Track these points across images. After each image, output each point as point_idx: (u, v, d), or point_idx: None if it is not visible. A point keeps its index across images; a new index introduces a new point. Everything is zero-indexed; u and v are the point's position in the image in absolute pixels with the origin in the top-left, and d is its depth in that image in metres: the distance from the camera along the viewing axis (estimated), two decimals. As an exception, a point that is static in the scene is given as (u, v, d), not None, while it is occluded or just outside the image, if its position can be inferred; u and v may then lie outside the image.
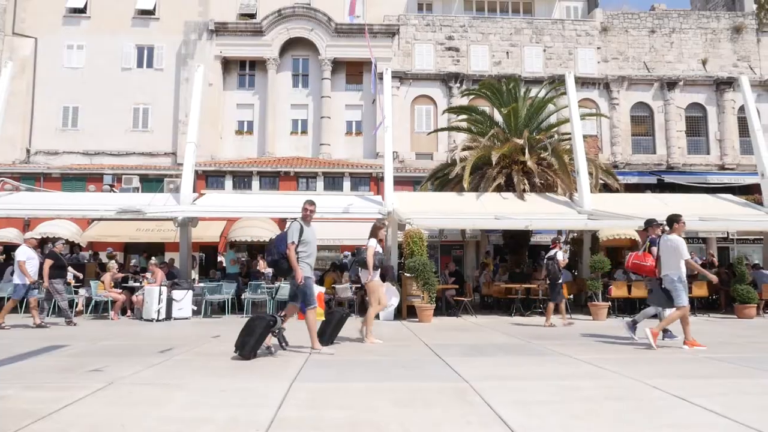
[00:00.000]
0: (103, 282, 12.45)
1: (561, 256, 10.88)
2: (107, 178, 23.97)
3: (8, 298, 10.39)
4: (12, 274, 11.07)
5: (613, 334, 8.95)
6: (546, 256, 11.19)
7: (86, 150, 26.36)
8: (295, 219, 6.90)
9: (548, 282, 10.88)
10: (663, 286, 7.50)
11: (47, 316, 10.89)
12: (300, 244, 6.63)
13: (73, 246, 18.10)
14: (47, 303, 10.93)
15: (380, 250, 8.09)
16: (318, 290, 6.61)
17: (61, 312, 10.71)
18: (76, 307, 12.68)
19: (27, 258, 10.13)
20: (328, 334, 7.28)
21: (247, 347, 6.12)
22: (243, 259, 19.20)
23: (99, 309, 12.79)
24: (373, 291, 7.94)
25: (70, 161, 25.91)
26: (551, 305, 10.56)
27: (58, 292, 10.54)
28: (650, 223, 8.50)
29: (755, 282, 13.07)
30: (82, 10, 27.55)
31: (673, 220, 7.71)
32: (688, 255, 7.48)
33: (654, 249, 7.93)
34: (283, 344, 6.66)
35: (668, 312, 7.66)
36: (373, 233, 8.10)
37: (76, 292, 12.69)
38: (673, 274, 7.31)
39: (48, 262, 10.46)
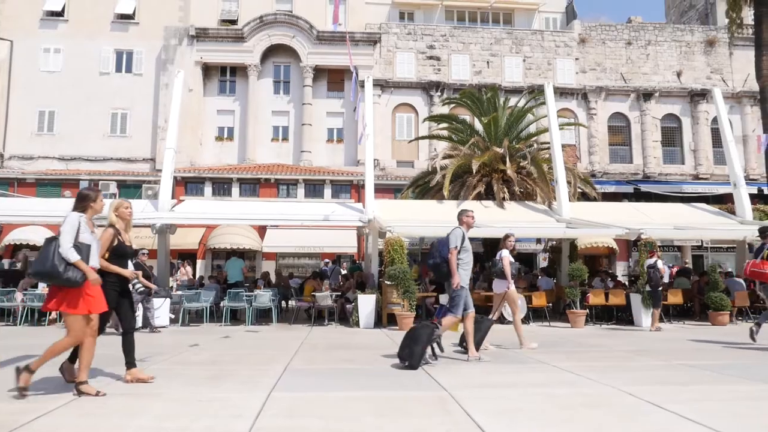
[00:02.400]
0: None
1: (660, 264, 11.46)
2: (84, 184, 23.50)
3: None
4: None
5: (592, 342, 9.06)
6: (647, 265, 11.84)
7: (62, 155, 25.92)
8: (457, 226, 7.04)
9: (650, 289, 11.63)
10: None
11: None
12: (461, 251, 6.79)
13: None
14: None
15: (512, 259, 8.38)
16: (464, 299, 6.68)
17: (147, 321, 10.90)
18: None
19: None
20: (477, 339, 7.27)
21: (416, 356, 6.13)
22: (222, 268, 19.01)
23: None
24: (514, 300, 8.16)
25: (46, 166, 25.46)
26: (656, 312, 11.44)
27: (147, 302, 10.99)
28: (765, 231, 8.60)
29: (728, 290, 13.33)
30: (60, 14, 27.17)
31: None
32: None
33: None
34: (440, 351, 6.78)
35: None
36: (504, 244, 8.35)
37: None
38: None
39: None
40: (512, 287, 8.08)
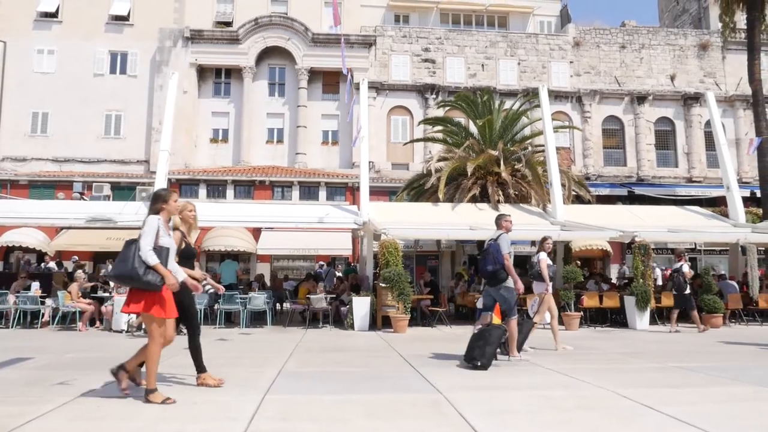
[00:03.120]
0: (70, 292, 12.14)
1: (686, 268, 11.69)
2: (77, 186, 23.42)
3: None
4: None
5: (587, 345, 9.07)
6: (672, 269, 11.92)
7: (56, 157, 25.79)
8: (499, 231, 7.29)
9: (674, 293, 11.75)
10: None
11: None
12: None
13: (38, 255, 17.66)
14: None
15: (550, 262, 8.52)
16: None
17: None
18: (42, 317, 12.35)
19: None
20: (519, 340, 7.40)
21: (488, 356, 6.34)
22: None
23: (66, 320, 12.46)
24: (549, 302, 8.30)
25: (39, 168, 25.31)
26: (675, 313, 11.59)
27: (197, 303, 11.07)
28: None
29: (721, 292, 13.40)
30: (54, 15, 27.05)
31: None
32: None
33: None
34: (503, 351, 6.95)
35: None
36: (542, 246, 8.45)
37: (43, 303, 12.35)
38: None
39: None
40: (550, 289, 8.28)
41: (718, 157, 15.98)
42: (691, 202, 21.03)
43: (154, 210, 4.71)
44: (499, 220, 7.39)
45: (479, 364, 6.30)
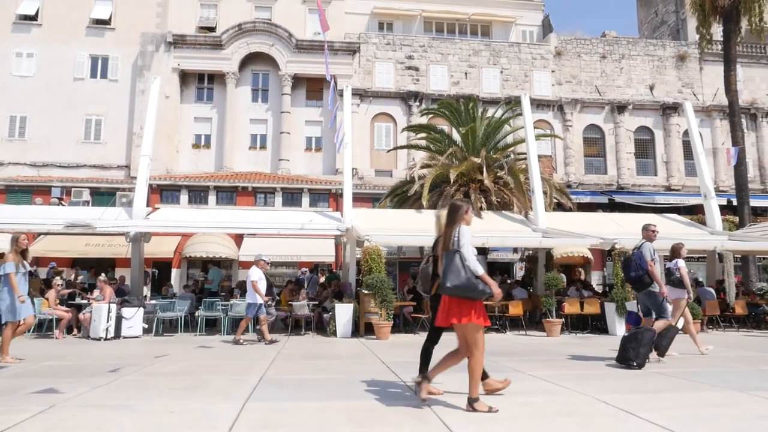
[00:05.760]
0: (47, 299, 11.93)
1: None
2: (55, 191, 23.03)
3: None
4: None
5: (567, 351, 9.13)
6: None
7: (34, 161, 25.36)
8: (642, 240, 7.85)
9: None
10: None
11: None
12: (655, 262, 7.58)
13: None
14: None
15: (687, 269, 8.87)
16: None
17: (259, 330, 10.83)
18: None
19: (259, 278, 10.67)
20: (663, 346, 7.64)
21: (642, 356, 6.83)
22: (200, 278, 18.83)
23: (43, 327, 12.23)
24: (682, 308, 8.54)
25: (16, 173, 24.85)
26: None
27: (269, 312, 11.23)
28: None
29: (699, 299, 13.60)
30: (33, 18, 26.70)
31: None
32: None
33: None
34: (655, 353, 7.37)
35: None
36: (679, 253, 8.70)
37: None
38: None
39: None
40: (691, 296, 8.60)
41: (695, 166, 16.27)
42: (669, 210, 21.35)
43: (465, 221, 4.75)
44: (645, 230, 7.97)
45: (634, 364, 6.79)
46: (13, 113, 25.71)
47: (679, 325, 8.49)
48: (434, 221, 5.34)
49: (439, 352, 5.18)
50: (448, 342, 5.29)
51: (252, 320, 10.98)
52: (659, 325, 7.45)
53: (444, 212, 5.09)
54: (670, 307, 7.83)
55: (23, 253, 8.02)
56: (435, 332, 5.34)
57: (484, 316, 4.58)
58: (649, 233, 7.91)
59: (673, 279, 8.53)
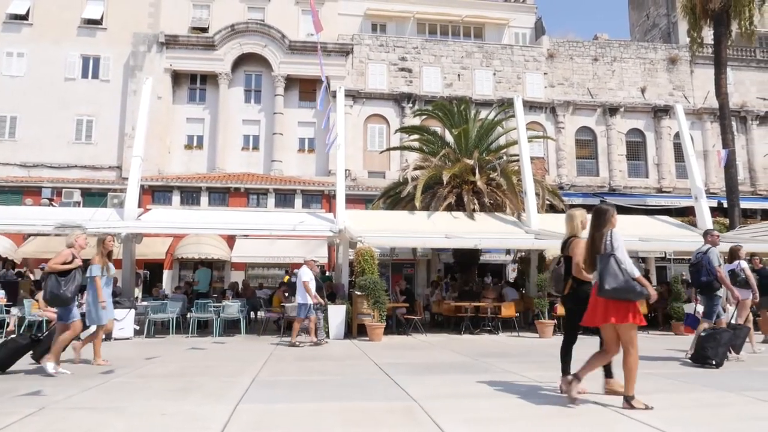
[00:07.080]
0: (37, 300, 11.80)
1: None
2: (46, 192, 22.85)
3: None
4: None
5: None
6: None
7: (24, 162, 25.15)
8: (708, 245, 8.02)
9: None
10: None
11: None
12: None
13: (5, 262, 17.16)
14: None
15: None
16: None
17: (308, 330, 10.65)
18: (6, 327, 11.98)
19: (310, 279, 10.58)
20: (738, 345, 7.84)
21: (721, 355, 7.10)
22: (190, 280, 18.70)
23: (33, 329, 12.10)
24: (747, 308, 8.77)
25: (6, 173, 24.64)
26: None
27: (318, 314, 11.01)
28: None
29: (690, 300, 13.65)
30: (24, 17, 26.50)
31: None
32: None
33: None
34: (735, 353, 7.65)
35: None
36: (739, 254, 8.93)
37: (8, 311, 11.98)
38: None
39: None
40: (756, 296, 8.73)
41: (686, 168, 16.36)
42: (661, 212, 21.49)
43: (612, 224, 4.82)
44: (706, 236, 8.22)
45: (713, 363, 7.01)
46: (4, 113, 25.51)
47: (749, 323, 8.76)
48: (565, 221, 5.45)
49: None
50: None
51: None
52: (704, 326, 7.71)
53: (576, 212, 5.34)
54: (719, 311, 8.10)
55: (109, 255, 7.84)
56: (574, 333, 5.52)
57: (641, 316, 4.69)
58: (714, 238, 8.16)
59: (739, 280, 8.72)
